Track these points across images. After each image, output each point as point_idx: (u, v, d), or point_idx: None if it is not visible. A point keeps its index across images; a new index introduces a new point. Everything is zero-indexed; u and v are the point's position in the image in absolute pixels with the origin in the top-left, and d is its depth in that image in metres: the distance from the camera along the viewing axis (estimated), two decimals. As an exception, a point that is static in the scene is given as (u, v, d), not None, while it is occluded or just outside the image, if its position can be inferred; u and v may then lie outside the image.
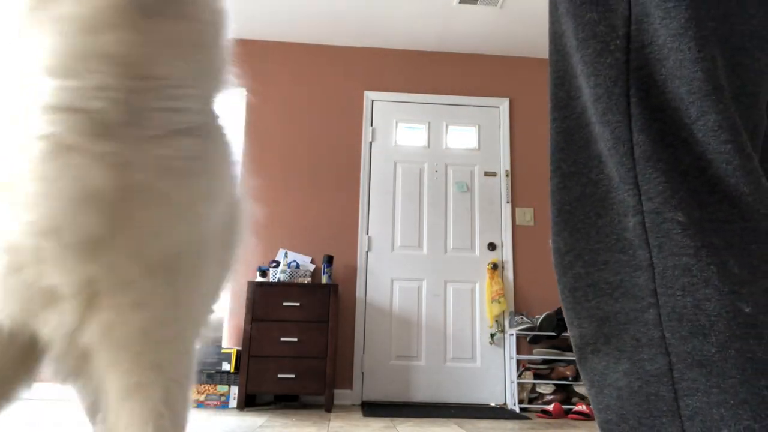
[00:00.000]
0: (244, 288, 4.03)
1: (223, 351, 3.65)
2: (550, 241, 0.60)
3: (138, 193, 0.66)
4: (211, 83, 0.77)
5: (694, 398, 0.46)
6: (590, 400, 0.56)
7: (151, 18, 0.65)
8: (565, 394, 3.80)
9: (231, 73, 0.81)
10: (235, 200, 0.90)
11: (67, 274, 0.64)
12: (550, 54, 0.61)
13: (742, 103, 0.51)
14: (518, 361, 3.99)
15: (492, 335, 4.14)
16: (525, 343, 4.10)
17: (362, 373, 4.03)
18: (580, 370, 0.58)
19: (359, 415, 3.37)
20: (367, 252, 4.23)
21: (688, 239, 0.48)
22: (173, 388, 0.76)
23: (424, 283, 4.22)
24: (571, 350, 3.89)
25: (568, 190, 0.57)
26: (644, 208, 0.50)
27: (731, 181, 0.48)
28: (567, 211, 0.57)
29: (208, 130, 0.76)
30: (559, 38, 0.59)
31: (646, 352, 0.49)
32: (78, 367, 0.75)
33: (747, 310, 0.46)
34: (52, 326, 0.68)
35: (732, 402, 0.44)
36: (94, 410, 0.90)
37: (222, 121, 0.83)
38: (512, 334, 4.03)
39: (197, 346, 0.84)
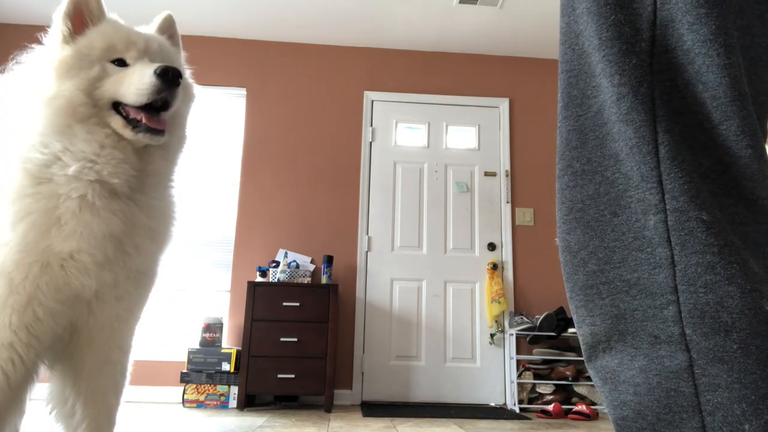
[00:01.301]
0: (244, 288, 4.03)
1: (223, 351, 3.64)
2: (558, 239, 0.60)
3: (137, 229, 1.07)
4: (177, 163, 1.21)
5: (716, 394, 0.46)
6: (603, 398, 0.56)
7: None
8: (565, 394, 3.80)
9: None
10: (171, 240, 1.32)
11: (89, 279, 1.03)
12: (563, 53, 0.61)
13: (756, 111, 0.53)
14: (518, 361, 3.99)
15: (492, 335, 4.14)
16: (525, 343, 4.10)
17: (362, 373, 4.02)
18: (589, 369, 0.58)
19: (359, 415, 3.37)
20: (367, 252, 4.23)
21: (713, 238, 0.48)
22: (126, 364, 1.15)
23: (424, 284, 4.22)
24: (570, 350, 3.89)
25: (580, 188, 0.57)
26: (667, 207, 0.50)
27: (748, 184, 0.49)
28: (579, 210, 0.57)
29: (170, 192, 1.23)
30: (576, 37, 0.59)
31: (665, 349, 0.50)
32: (63, 351, 1.10)
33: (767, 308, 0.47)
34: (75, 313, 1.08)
35: (753, 397, 0.45)
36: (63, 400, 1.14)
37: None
38: (512, 334, 4.03)
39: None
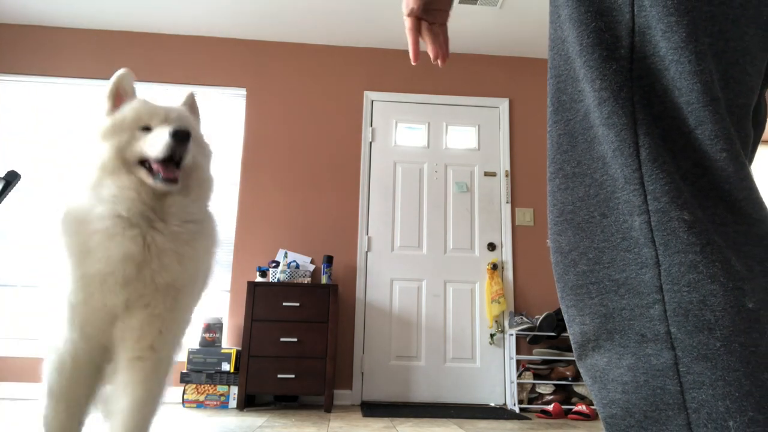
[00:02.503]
0: (244, 288, 4.03)
1: (223, 351, 3.64)
2: (549, 240, 0.62)
3: (162, 252, 1.30)
4: (206, 198, 1.47)
5: (700, 391, 0.47)
6: (593, 396, 0.57)
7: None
8: (565, 394, 3.80)
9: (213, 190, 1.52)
10: (214, 254, 1.51)
11: (116, 296, 1.28)
12: (551, 58, 0.63)
13: (735, 114, 0.54)
14: (518, 362, 3.99)
15: (492, 335, 4.14)
16: (525, 343, 4.10)
17: (362, 373, 4.03)
18: (579, 368, 0.59)
19: (359, 415, 3.37)
20: (366, 252, 4.23)
21: (694, 237, 0.49)
22: (158, 362, 1.35)
23: (424, 284, 4.22)
24: (570, 350, 3.89)
25: (571, 190, 0.58)
26: (650, 208, 0.51)
27: (726, 187, 0.51)
28: (570, 211, 0.58)
29: (204, 219, 1.43)
30: (561, 43, 0.61)
31: (651, 347, 0.50)
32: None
33: (750, 305, 0.47)
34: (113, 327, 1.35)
35: (737, 394, 0.46)
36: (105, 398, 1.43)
37: (212, 213, 1.52)
38: (512, 335, 4.03)
39: (182, 338, 1.47)
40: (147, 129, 1.36)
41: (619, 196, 0.54)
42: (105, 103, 1.40)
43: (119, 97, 1.41)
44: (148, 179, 1.32)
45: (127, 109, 1.37)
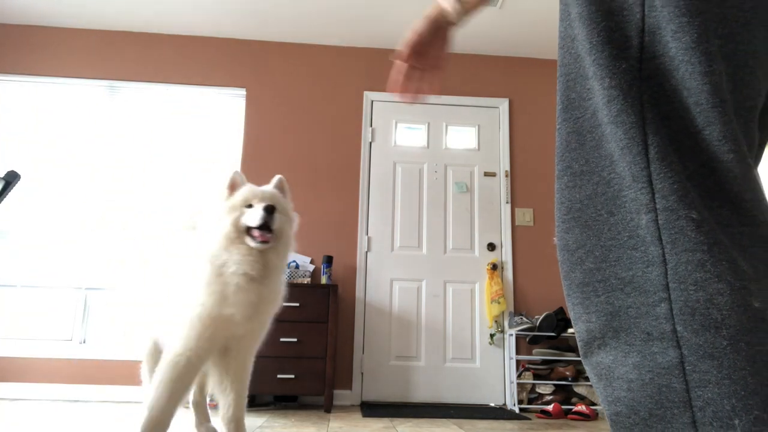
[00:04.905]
0: (244, 288, 4.03)
1: (222, 351, 3.64)
2: (556, 238, 0.62)
3: (263, 299, 1.88)
4: (287, 256, 2.02)
5: (706, 389, 0.47)
6: (598, 394, 0.57)
7: (272, 245, 1.89)
8: (565, 394, 3.80)
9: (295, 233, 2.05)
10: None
11: (241, 328, 1.88)
12: (561, 56, 0.63)
13: (743, 116, 0.54)
14: (518, 362, 3.99)
15: (491, 335, 4.14)
16: (524, 343, 4.10)
17: (362, 373, 4.02)
18: (585, 365, 0.59)
19: (359, 415, 3.37)
20: (366, 252, 4.23)
21: (703, 236, 0.49)
22: (250, 365, 2.02)
23: (424, 284, 4.22)
24: (570, 350, 3.89)
25: (579, 188, 0.58)
26: (657, 206, 0.51)
27: (732, 188, 0.51)
28: (578, 209, 0.58)
29: (284, 271, 2.05)
30: (571, 41, 0.61)
31: (657, 345, 0.51)
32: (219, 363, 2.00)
33: (756, 305, 0.48)
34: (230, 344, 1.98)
35: (743, 393, 0.46)
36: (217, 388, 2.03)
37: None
38: (512, 335, 4.03)
39: None
40: (250, 206, 1.89)
41: (627, 195, 0.54)
42: (224, 191, 1.95)
43: (233, 186, 1.95)
44: (251, 242, 1.84)
45: (238, 194, 1.92)
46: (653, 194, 0.52)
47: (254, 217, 1.83)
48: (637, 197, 0.53)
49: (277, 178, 2.07)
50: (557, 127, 0.63)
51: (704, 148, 0.52)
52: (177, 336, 1.83)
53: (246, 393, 2.02)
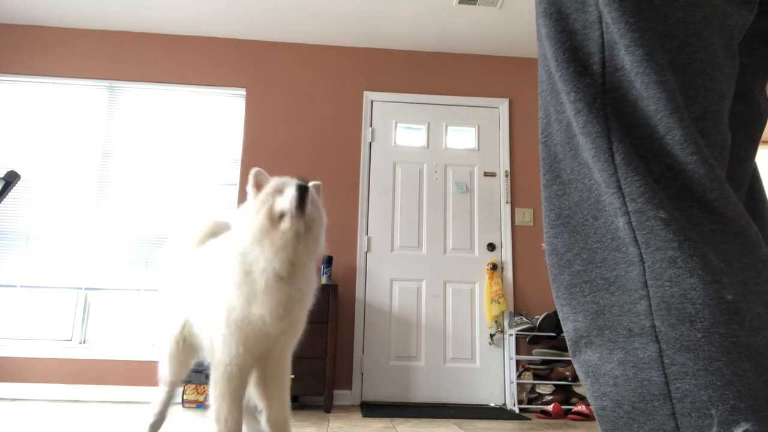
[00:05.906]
0: (244, 288, 4.03)
1: (222, 351, 3.64)
2: (545, 244, 0.65)
3: (293, 299, 1.80)
4: (316, 259, 1.98)
5: (684, 381, 0.49)
6: (586, 390, 0.59)
7: (302, 238, 1.82)
8: (565, 394, 3.80)
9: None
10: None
11: (274, 327, 1.79)
12: (540, 73, 0.68)
13: (710, 120, 0.57)
14: (518, 362, 3.98)
15: (491, 336, 4.14)
16: (524, 343, 4.10)
17: (361, 373, 4.02)
18: (574, 363, 0.61)
19: (358, 415, 3.37)
20: (366, 252, 4.23)
21: (672, 234, 0.52)
22: (290, 362, 1.99)
23: (424, 284, 4.22)
24: (570, 351, 3.89)
25: (567, 196, 0.62)
26: (629, 209, 0.54)
27: (698, 188, 0.54)
28: (567, 215, 0.62)
29: (314, 272, 1.97)
30: (544, 59, 0.65)
31: (638, 341, 0.53)
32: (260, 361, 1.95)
33: (729, 297, 0.50)
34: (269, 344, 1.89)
35: (719, 383, 0.48)
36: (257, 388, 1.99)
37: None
38: (512, 335, 4.02)
39: None
40: (281, 192, 1.87)
41: (605, 199, 0.57)
42: (251, 192, 1.92)
43: (258, 185, 1.93)
44: (286, 222, 1.80)
45: (268, 186, 1.89)
46: (624, 198, 0.55)
47: (287, 197, 1.80)
48: (612, 201, 0.56)
49: (312, 183, 2.07)
50: (542, 139, 0.66)
51: (668, 152, 0.55)
52: (218, 346, 1.82)
53: (288, 394, 2.00)
